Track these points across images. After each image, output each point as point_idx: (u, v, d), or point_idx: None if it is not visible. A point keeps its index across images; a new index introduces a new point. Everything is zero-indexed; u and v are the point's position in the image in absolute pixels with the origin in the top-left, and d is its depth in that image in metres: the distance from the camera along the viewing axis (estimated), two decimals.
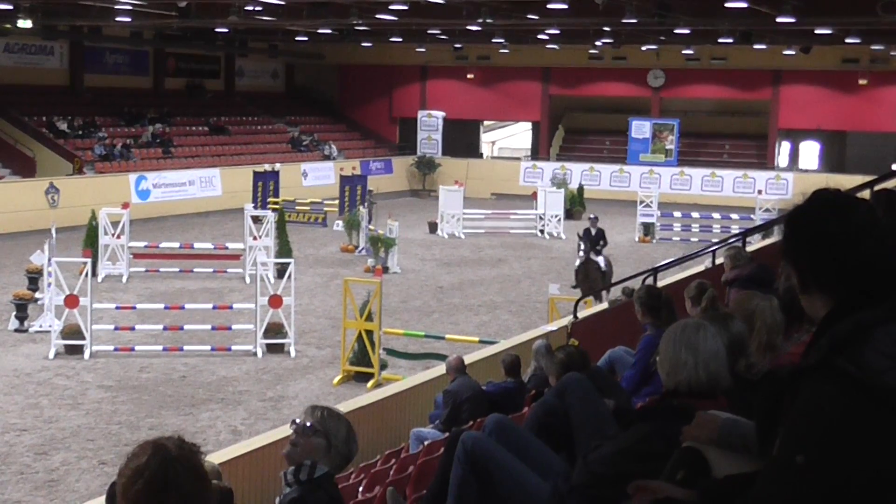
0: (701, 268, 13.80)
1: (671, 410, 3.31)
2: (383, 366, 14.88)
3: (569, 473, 4.07)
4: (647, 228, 30.58)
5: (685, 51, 38.59)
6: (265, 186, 32.59)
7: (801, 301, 2.11)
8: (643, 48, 37.74)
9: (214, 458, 7.69)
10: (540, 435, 4.78)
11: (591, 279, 18.44)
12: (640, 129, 40.82)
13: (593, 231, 19.62)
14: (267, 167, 33.55)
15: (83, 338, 15.99)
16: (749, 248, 11.02)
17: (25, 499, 10.53)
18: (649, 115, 41.67)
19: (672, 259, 13.89)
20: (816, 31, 30.88)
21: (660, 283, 11.17)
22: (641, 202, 30.89)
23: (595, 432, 4.46)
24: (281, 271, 19.68)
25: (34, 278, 18.63)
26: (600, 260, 19.04)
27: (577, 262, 19.39)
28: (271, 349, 16.39)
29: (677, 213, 31.69)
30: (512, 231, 31.12)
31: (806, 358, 1.95)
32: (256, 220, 23.82)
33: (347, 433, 3.59)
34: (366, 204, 29.62)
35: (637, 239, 30.28)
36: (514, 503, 4.29)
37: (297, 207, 31.36)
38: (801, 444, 1.82)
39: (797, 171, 39.32)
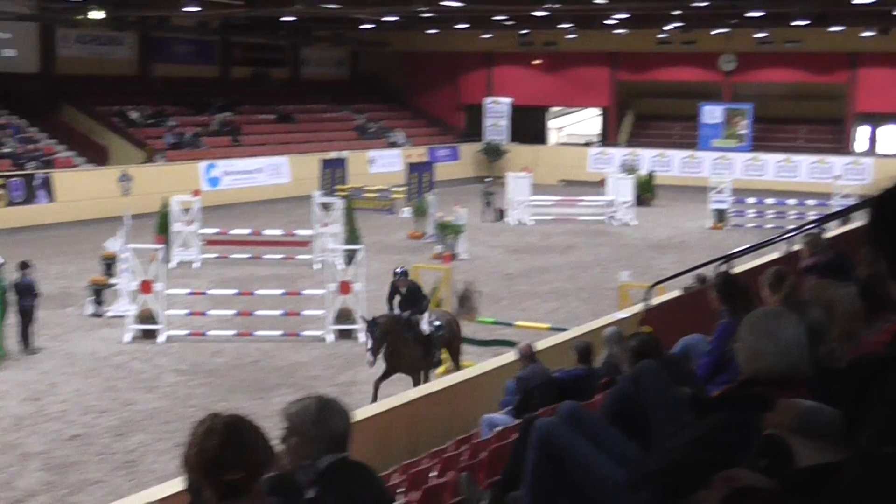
0: (775, 255, 13.56)
1: (749, 399, 3.26)
2: None
3: (643, 461, 4.04)
4: (720, 215, 30.18)
5: (757, 34, 37.88)
6: (333, 174, 32.83)
7: (889, 288, 2.06)
8: (713, 32, 37.15)
9: None
10: (614, 422, 4.75)
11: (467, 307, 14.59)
12: (712, 114, 40.25)
13: (403, 290, 13.70)
14: (334, 155, 33.75)
15: (157, 322, 16.31)
16: (826, 235, 10.79)
17: (105, 478, 10.80)
18: (720, 100, 41.03)
19: (746, 246, 13.67)
20: (895, 13, 30.11)
21: (733, 271, 11.00)
22: (713, 188, 30.49)
23: (670, 420, 4.42)
24: (350, 258, 19.83)
25: (109, 264, 19.06)
26: (423, 325, 13.50)
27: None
28: (341, 335, 16.54)
29: (751, 200, 31.21)
30: (581, 218, 30.94)
31: (893, 346, 1.91)
32: (325, 206, 24.00)
33: (316, 413, 3.37)
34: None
35: (709, 226, 29.91)
36: (589, 490, 4.27)
37: (365, 194, 31.54)
38: (890, 435, 1.78)
39: (876, 156, 38.38)
